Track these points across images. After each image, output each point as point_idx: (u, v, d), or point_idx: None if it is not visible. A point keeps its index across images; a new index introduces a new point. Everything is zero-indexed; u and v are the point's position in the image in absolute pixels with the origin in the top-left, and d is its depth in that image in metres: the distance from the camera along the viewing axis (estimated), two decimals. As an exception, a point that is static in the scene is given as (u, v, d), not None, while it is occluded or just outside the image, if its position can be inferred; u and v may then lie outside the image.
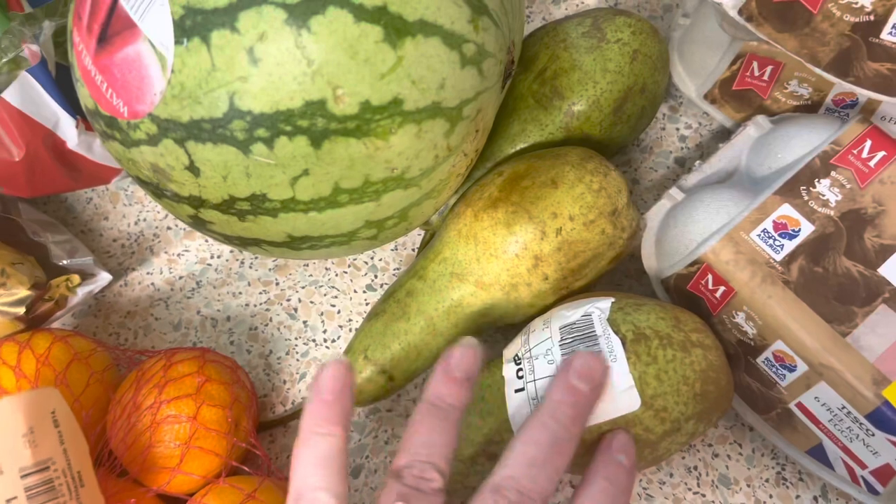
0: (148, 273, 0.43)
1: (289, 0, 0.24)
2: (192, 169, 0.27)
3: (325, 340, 0.41)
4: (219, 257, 0.43)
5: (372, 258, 0.42)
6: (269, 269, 0.42)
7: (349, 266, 0.42)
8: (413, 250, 0.42)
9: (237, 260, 0.43)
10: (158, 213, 0.45)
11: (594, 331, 0.29)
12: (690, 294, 0.35)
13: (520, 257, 0.31)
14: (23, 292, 0.36)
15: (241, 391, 0.35)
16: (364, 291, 0.42)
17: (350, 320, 0.41)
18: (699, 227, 0.34)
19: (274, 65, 0.24)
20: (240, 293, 0.42)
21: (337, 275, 0.42)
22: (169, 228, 0.44)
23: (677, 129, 0.44)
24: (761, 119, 0.37)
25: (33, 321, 0.37)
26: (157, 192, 0.30)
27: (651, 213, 0.37)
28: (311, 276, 0.42)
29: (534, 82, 0.37)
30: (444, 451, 0.25)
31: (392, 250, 0.42)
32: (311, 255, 0.32)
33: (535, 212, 0.31)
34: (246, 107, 0.25)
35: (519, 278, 0.32)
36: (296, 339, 0.41)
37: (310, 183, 0.27)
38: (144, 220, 0.44)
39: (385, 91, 0.25)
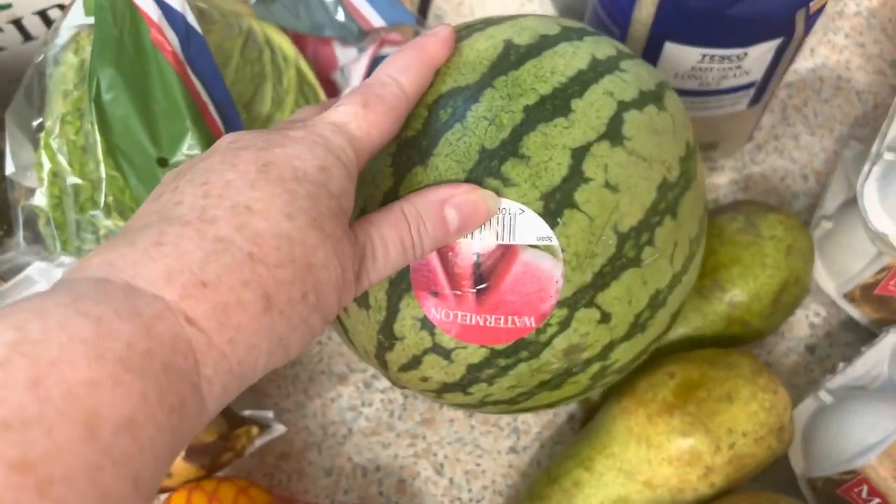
0: (302, 416, 0.46)
1: (601, 128, 0.28)
2: (605, 318, 0.29)
3: (471, 500, 0.43)
4: (369, 405, 0.46)
5: (515, 419, 0.45)
6: (417, 423, 0.45)
7: (493, 426, 0.45)
8: (554, 415, 0.45)
9: (387, 410, 0.46)
10: (313, 356, 0.48)
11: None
12: (840, 498, 0.36)
13: (692, 466, 0.33)
14: (207, 439, 0.39)
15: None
16: (507, 453, 0.44)
17: (494, 481, 0.43)
18: (855, 439, 0.36)
19: (626, 179, 0.28)
20: (389, 444, 0.45)
21: (481, 433, 0.45)
22: (322, 373, 0.47)
23: (807, 316, 0.47)
24: (905, 329, 0.39)
25: (213, 467, 0.40)
26: (561, 379, 0.30)
27: (797, 412, 0.39)
28: (456, 432, 0.45)
29: (691, 275, 0.40)
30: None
31: (533, 413, 0.45)
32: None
33: (712, 426, 0.33)
34: (627, 226, 0.28)
35: (687, 484, 0.34)
36: (442, 495, 0.43)
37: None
38: (300, 362, 0.48)
39: None
